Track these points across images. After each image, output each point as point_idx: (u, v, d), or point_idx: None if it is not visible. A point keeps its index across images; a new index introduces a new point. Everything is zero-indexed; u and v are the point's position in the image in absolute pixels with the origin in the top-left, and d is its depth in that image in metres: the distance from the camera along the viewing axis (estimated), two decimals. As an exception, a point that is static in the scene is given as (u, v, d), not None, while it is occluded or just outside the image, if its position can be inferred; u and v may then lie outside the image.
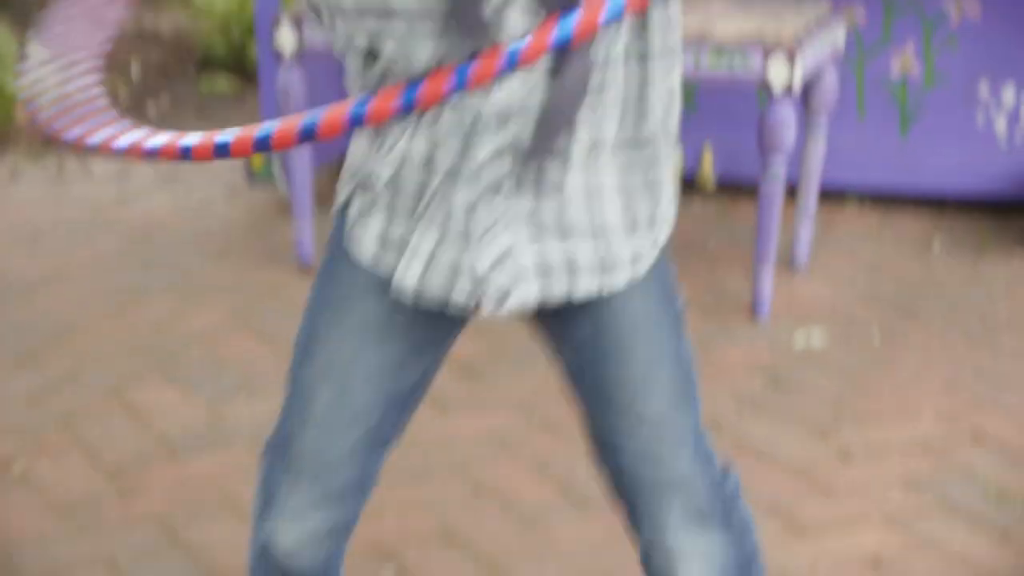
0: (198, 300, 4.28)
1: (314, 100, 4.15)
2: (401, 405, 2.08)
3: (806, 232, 4.51)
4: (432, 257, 1.92)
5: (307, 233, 4.49)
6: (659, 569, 2.12)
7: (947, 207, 5.08)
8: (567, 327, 2.01)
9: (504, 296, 1.91)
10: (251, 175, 5.17)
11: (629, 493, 2.10)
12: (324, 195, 4.75)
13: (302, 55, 4.32)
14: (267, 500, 2.12)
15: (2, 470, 3.30)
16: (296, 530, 2.11)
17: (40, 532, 3.05)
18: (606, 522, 3.05)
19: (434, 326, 2.03)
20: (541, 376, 3.69)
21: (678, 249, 2.18)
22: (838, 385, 3.73)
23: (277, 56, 4.34)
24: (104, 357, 3.89)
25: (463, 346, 2.26)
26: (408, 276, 1.93)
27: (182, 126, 5.78)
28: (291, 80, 4.34)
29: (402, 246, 1.95)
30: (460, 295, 1.91)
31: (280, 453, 2.12)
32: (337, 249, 2.04)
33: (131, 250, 4.69)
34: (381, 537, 3.01)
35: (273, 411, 3.47)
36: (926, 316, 4.15)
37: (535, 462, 3.34)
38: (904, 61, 4.95)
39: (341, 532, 2.14)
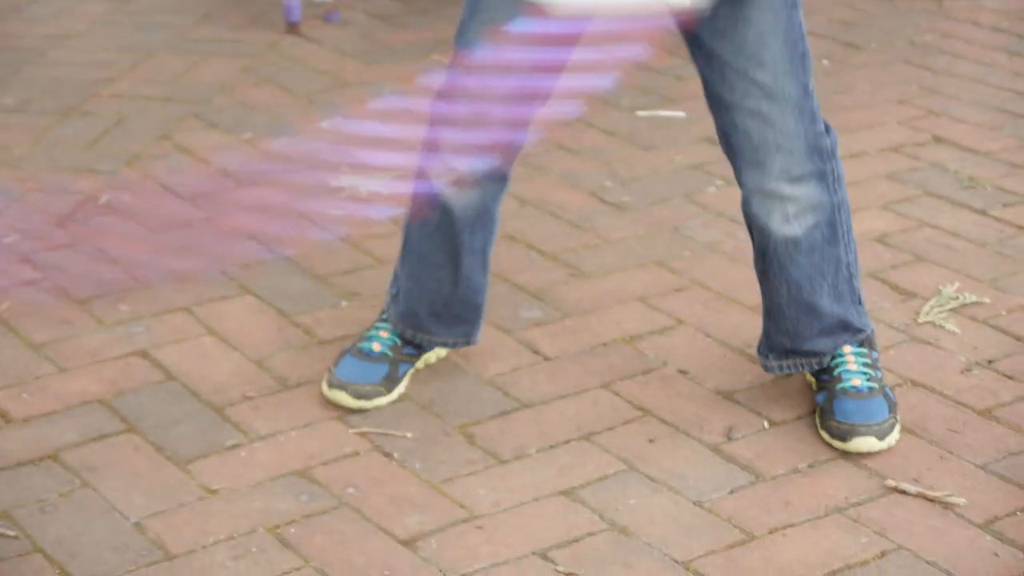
0: (205, 56, 4.60)
1: None
2: None
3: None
4: None
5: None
6: (759, 209, 2.62)
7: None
8: None
9: None
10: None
11: (740, 148, 2.59)
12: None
13: None
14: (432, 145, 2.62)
15: (89, 202, 3.64)
16: (457, 165, 2.61)
17: (148, 249, 3.42)
18: (644, 221, 3.55)
19: None
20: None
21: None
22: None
23: None
24: (140, 107, 4.21)
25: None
26: None
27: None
28: None
29: None
30: None
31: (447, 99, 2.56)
32: None
33: (117, 15, 4.95)
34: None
35: (315, 146, 3.89)
36: (864, 47, 4.66)
37: (565, 179, 3.78)
38: None
39: (498, 177, 2.68)
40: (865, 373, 2.73)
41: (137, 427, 2.77)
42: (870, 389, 2.71)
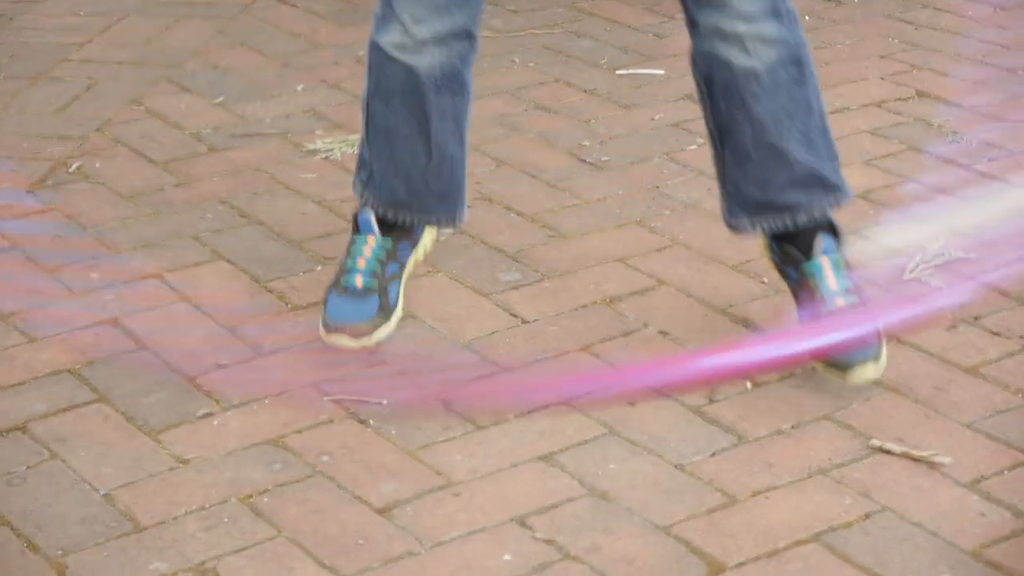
0: (177, 19, 4.52)
1: None
2: None
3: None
4: None
5: (267, -46, 4.74)
6: (717, 49, 2.58)
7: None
8: None
9: None
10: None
11: (692, 4, 2.56)
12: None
13: None
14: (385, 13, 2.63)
15: (61, 170, 3.57)
16: (414, 25, 2.60)
17: (120, 215, 3.36)
18: (624, 180, 3.49)
19: None
20: (524, 68, 4.07)
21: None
22: (786, 62, 4.16)
23: None
24: (112, 71, 4.14)
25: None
26: None
27: None
28: None
29: None
30: None
31: None
32: None
33: (88, -22, 4.88)
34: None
35: (288, 111, 3.85)
36: (848, 2, 4.59)
37: (543, 139, 3.72)
38: None
39: (463, 35, 2.63)
40: (845, 286, 2.66)
41: (107, 397, 2.71)
42: (852, 304, 2.64)
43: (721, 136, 2.68)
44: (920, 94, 3.92)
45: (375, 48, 2.69)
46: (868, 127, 3.74)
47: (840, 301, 2.64)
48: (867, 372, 2.61)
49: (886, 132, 3.71)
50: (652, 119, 3.80)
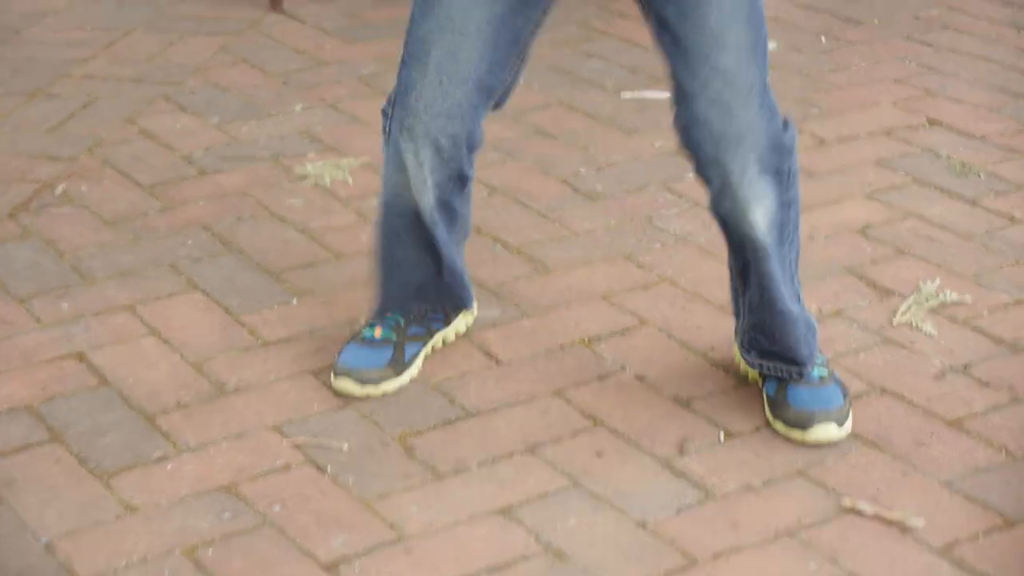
0: (182, 34, 4.46)
1: None
2: (504, 54, 2.47)
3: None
4: None
5: (277, -33, 4.67)
6: (727, 211, 2.48)
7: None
8: None
9: None
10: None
11: (701, 143, 2.44)
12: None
13: None
14: (389, 146, 2.57)
15: (47, 192, 3.52)
16: (415, 167, 2.55)
17: (99, 242, 3.30)
18: (617, 210, 3.40)
19: None
20: (528, 90, 3.98)
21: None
22: (799, 85, 4.06)
23: None
24: (110, 88, 4.09)
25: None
26: None
27: None
28: None
29: None
30: None
31: (399, 102, 2.50)
32: None
33: (99, -10, 4.83)
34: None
35: (282, 131, 3.79)
36: (867, 21, 4.48)
37: (538, 165, 3.63)
38: None
39: (455, 179, 2.59)
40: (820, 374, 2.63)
41: (62, 436, 2.65)
42: (821, 378, 2.62)
43: (741, 280, 2.63)
44: (932, 122, 3.80)
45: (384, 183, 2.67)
46: (874, 156, 3.63)
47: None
48: (829, 432, 2.52)
49: (892, 162, 3.59)
50: (653, 145, 3.71)
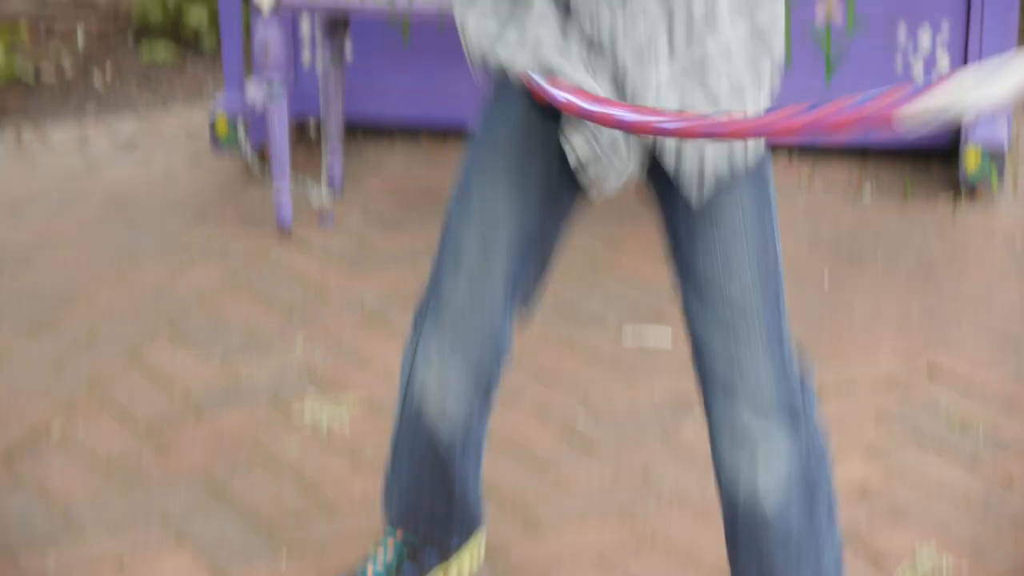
0: (191, 262, 4.50)
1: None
2: (537, 258, 2.46)
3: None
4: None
5: (285, 195, 4.71)
6: (728, 455, 2.42)
7: (870, 155, 5.32)
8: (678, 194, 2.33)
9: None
10: (217, 143, 5.32)
11: (706, 384, 2.40)
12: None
13: (279, 8, 4.53)
14: (415, 356, 2.50)
15: (42, 434, 3.52)
16: (441, 381, 2.48)
17: (91, 490, 3.29)
18: (611, 463, 3.38)
19: (560, 187, 2.40)
20: (530, 331, 3.98)
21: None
22: (798, 328, 4.04)
23: (255, 11, 4.59)
24: (114, 320, 4.11)
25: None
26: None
27: (126, 95, 5.95)
28: (271, 35, 4.56)
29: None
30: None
31: (431, 308, 2.46)
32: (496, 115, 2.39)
33: (111, 217, 4.87)
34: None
35: (284, 367, 3.78)
36: (869, 260, 4.48)
37: (535, 409, 3.63)
38: (828, 7, 5.21)
39: (483, 391, 2.52)
40: None
41: None
42: None
43: (728, 553, 2.57)
44: (932, 369, 3.79)
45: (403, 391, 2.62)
46: (873, 409, 3.61)
47: None
48: None
49: (891, 417, 3.58)
50: (652, 392, 3.70)
